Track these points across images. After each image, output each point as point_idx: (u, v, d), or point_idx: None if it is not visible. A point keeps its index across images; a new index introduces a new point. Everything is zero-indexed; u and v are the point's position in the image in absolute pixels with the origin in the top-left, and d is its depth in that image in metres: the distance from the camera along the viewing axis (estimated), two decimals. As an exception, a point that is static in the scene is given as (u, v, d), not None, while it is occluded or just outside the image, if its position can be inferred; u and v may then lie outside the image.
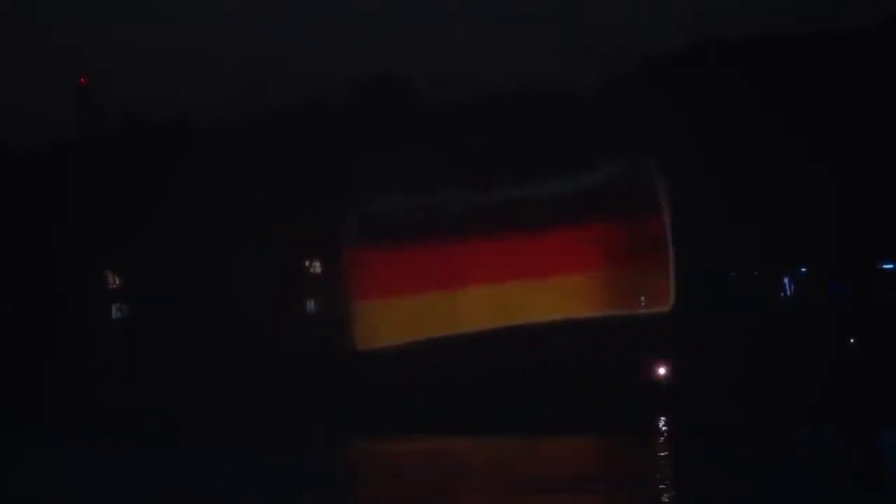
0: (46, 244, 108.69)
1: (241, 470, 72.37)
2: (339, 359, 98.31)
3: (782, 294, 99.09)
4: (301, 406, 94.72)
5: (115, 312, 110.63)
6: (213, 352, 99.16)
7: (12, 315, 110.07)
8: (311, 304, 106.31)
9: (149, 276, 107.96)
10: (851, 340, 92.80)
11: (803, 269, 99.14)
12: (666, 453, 77.68)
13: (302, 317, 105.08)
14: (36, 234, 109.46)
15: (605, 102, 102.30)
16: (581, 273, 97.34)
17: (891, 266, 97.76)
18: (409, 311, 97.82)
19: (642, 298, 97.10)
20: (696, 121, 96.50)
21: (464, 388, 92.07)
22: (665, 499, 60.40)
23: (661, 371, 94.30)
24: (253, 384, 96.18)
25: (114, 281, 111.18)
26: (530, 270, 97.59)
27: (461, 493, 64.48)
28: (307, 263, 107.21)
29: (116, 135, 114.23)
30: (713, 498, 59.46)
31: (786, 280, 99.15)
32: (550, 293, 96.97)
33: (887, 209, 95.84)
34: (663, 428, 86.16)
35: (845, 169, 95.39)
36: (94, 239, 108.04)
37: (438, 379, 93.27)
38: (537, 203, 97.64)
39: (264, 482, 67.48)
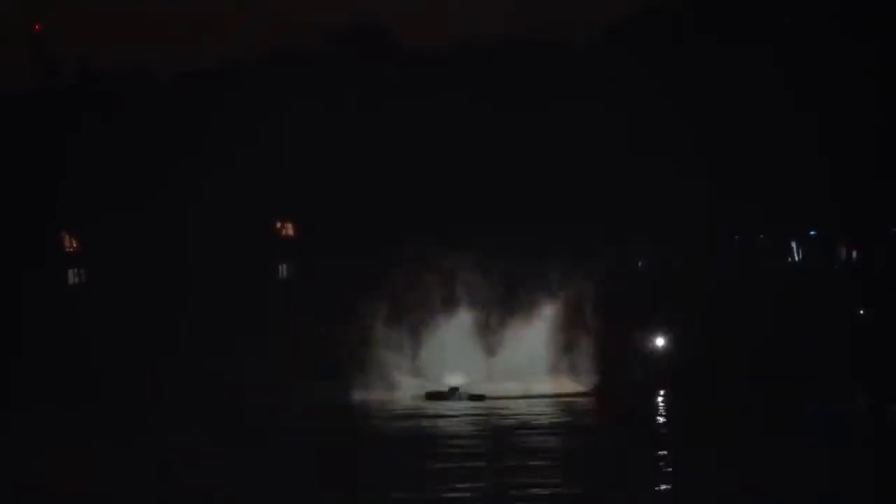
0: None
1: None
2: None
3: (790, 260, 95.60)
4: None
5: (71, 278, 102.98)
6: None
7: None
8: (283, 269, 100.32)
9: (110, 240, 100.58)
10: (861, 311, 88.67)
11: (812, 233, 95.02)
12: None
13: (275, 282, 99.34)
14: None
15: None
16: None
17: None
18: None
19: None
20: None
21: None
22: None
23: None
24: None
25: (70, 244, 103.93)
26: None
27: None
28: (279, 226, 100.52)
29: (73, 87, 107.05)
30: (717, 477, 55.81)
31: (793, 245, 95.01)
32: None
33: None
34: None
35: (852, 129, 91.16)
36: (49, 198, 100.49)
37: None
38: None
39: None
